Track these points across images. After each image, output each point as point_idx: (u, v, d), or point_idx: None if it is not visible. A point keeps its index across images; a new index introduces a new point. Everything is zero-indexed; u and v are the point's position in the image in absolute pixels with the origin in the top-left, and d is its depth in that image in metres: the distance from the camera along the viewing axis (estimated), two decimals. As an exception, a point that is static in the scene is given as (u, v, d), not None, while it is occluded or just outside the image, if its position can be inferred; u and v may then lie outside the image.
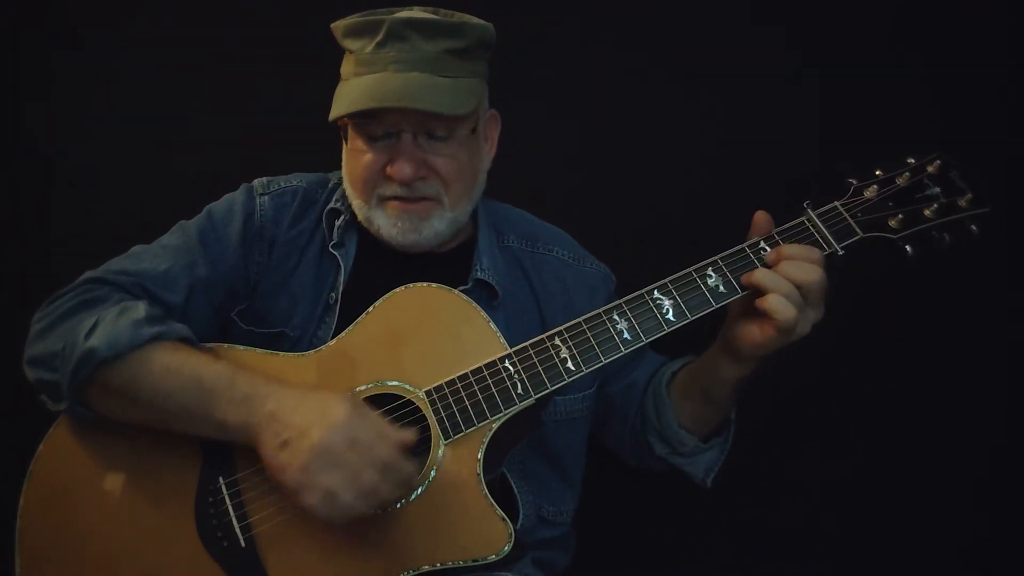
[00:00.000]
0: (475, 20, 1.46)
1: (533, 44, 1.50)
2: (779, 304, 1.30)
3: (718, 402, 1.48)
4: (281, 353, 1.40)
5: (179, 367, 1.28)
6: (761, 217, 1.39)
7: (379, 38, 1.40)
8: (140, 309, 1.32)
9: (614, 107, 1.88)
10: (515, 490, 1.48)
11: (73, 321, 1.32)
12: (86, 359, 1.27)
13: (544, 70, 1.79)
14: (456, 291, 1.42)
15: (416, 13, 1.45)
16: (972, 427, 1.82)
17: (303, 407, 1.23)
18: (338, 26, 1.46)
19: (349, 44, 1.45)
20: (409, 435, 1.24)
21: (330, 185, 1.59)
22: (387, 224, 1.46)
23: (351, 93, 1.41)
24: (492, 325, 1.39)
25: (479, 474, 1.32)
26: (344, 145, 1.51)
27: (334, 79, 1.49)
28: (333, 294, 1.48)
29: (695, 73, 1.86)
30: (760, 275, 1.33)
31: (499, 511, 1.30)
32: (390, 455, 1.21)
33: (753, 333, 1.35)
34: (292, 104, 1.84)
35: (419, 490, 1.31)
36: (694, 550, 1.57)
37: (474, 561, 1.28)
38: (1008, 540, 1.78)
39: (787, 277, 1.31)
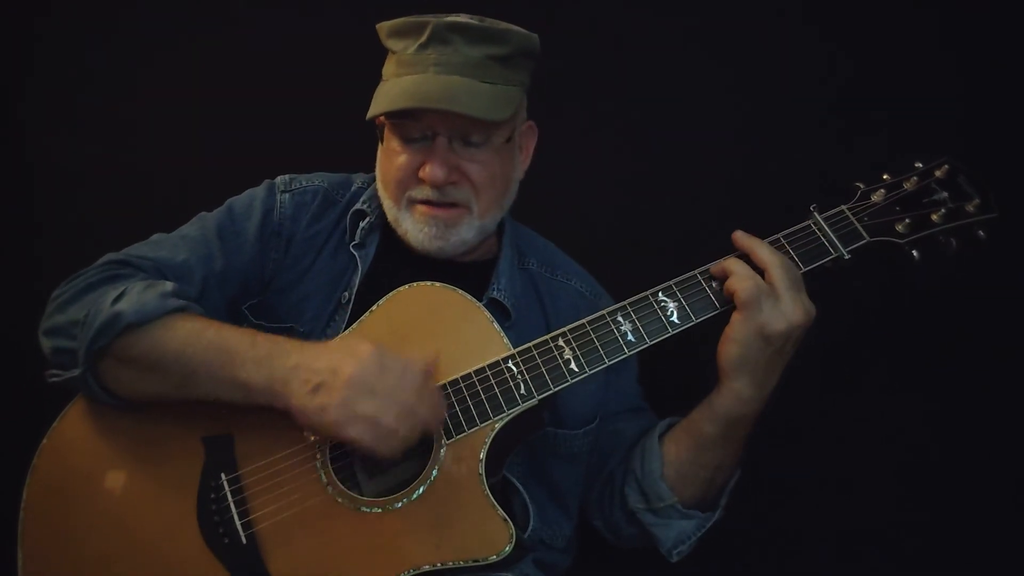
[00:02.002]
0: (519, 29, 1.45)
1: (541, 46, 1.51)
2: (738, 267, 1.33)
3: (706, 445, 1.40)
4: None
5: (201, 331, 1.29)
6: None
7: (422, 40, 1.40)
8: (167, 285, 1.33)
9: (618, 108, 1.88)
10: (527, 499, 1.48)
11: (97, 293, 1.33)
12: (112, 322, 1.27)
13: (547, 70, 1.79)
14: (460, 290, 1.42)
15: (461, 18, 1.44)
16: (973, 429, 1.81)
17: (326, 352, 1.26)
18: (383, 27, 1.46)
19: (392, 44, 1.45)
20: (430, 357, 1.29)
21: (353, 188, 1.59)
22: (414, 229, 1.46)
23: (390, 92, 1.41)
24: (495, 325, 1.39)
25: (481, 474, 1.31)
26: (379, 145, 1.51)
27: (358, 77, 1.48)
28: (347, 293, 1.49)
29: (699, 75, 1.85)
30: (728, 262, 1.35)
31: (500, 511, 1.30)
32: (421, 378, 1.26)
33: (727, 331, 1.33)
34: (315, 103, 1.85)
35: (420, 489, 1.31)
36: (695, 551, 1.56)
37: (475, 561, 1.28)
38: (1010, 543, 1.77)
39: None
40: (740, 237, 1.37)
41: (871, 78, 1.79)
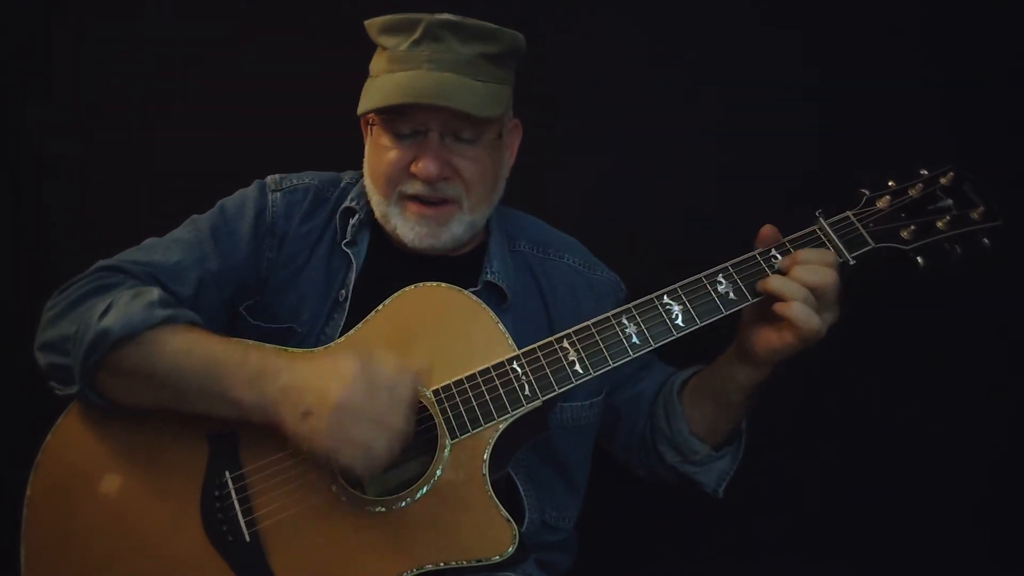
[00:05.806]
0: (508, 29, 1.45)
1: (541, 48, 1.51)
2: (802, 313, 1.30)
3: (731, 407, 1.47)
4: (291, 349, 1.39)
5: (191, 346, 1.28)
6: (768, 230, 1.39)
7: (415, 36, 1.40)
8: (154, 293, 1.32)
9: (623, 113, 1.88)
10: (521, 492, 1.49)
11: (86, 306, 1.33)
12: (100, 339, 1.26)
13: (553, 74, 1.79)
14: (465, 291, 1.42)
15: (453, 17, 1.43)
16: (973, 433, 1.82)
17: (315, 372, 1.24)
18: (374, 23, 1.46)
19: (384, 41, 1.44)
20: (422, 363, 1.26)
21: (342, 184, 1.60)
22: (404, 226, 1.46)
23: (383, 88, 1.41)
24: (500, 326, 1.39)
25: (484, 475, 1.32)
26: (367, 141, 1.51)
27: (345, 77, 1.48)
28: (343, 291, 1.48)
29: (706, 79, 1.86)
30: (775, 282, 1.33)
31: (504, 512, 1.30)
32: (411, 393, 1.23)
33: (771, 339, 1.35)
34: (302, 104, 1.85)
35: (424, 489, 1.31)
36: (696, 553, 1.57)
37: (478, 562, 1.29)
38: (1010, 545, 1.78)
39: (801, 282, 1.31)
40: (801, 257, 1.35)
41: (880, 84, 1.79)
